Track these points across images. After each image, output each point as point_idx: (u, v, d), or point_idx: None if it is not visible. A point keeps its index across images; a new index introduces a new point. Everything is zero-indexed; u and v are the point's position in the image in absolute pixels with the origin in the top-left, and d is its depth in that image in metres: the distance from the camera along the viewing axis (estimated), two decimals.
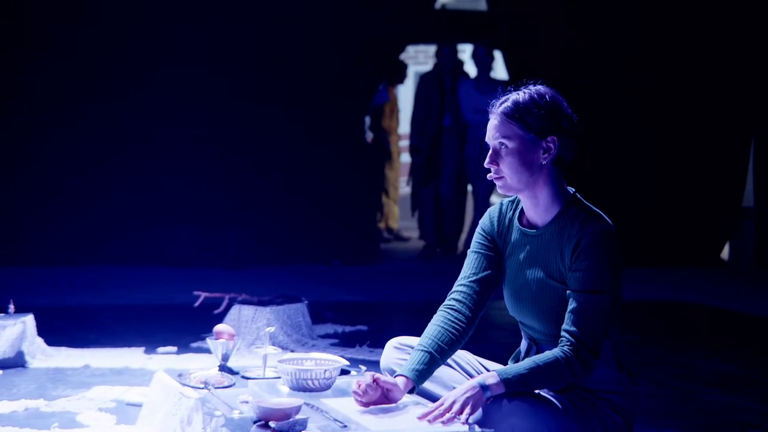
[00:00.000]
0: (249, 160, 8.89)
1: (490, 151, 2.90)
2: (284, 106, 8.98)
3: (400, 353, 3.03)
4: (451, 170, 9.57)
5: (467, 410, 2.69)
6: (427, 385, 2.93)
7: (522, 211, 2.97)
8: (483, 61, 9.14)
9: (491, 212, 3.04)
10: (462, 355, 3.06)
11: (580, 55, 9.33)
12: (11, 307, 4.68)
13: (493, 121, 2.90)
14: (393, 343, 3.08)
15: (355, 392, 2.83)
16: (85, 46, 8.47)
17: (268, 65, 8.89)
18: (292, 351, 4.89)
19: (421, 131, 9.64)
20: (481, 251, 3.01)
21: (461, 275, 3.02)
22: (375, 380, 2.80)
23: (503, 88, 2.98)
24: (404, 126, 11.44)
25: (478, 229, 3.04)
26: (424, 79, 9.84)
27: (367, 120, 10.27)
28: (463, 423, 2.67)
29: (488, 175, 2.92)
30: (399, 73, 11.00)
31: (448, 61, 9.68)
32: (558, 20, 9.45)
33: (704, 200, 9.71)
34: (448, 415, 2.69)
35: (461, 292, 2.99)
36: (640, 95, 9.49)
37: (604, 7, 9.44)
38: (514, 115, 2.86)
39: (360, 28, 9.01)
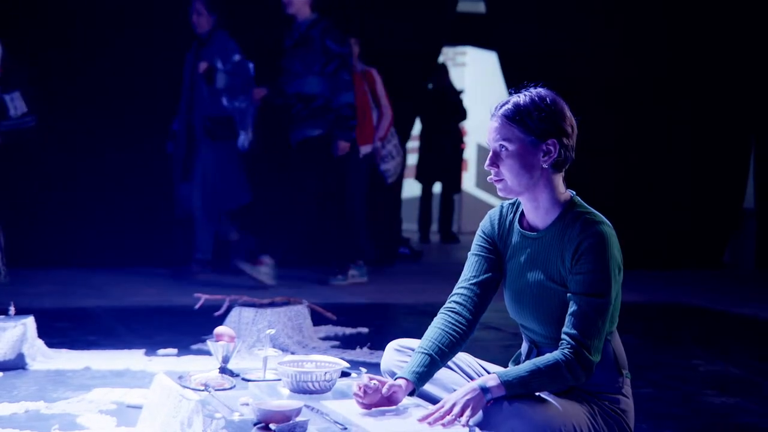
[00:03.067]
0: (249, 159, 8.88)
1: (490, 154, 2.90)
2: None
3: (400, 355, 3.03)
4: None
5: (467, 412, 2.69)
6: (428, 387, 2.94)
7: (522, 214, 2.98)
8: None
9: (491, 215, 3.05)
10: (462, 358, 3.06)
11: (577, 55, 9.33)
12: (12, 309, 4.67)
13: (494, 124, 2.90)
14: (393, 345, 3.08)
15: (356, 394, 2.83)
16: (84, 45, 8.46)
17: None
18: (293, 353, 4.89)
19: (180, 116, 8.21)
20: (482, 254, 3.01)
21: (462, 278, 3.03)
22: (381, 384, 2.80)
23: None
24: None
25: (478, 232, 3.05)
26: (187, 56, 8.10)
27: None
28: (464, 425, 2.67)
29: (488, 178, 2.93)
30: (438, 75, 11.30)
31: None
32: (554, 21, 9.45)
33: (705, 202, 9.71)
34: (448, 418, 2.69)
35: (461, 294, 3.00)
36: (639, 96, 9.49)
37: (602, 7, 9.44)
38: (514, 117, 2.86)
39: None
